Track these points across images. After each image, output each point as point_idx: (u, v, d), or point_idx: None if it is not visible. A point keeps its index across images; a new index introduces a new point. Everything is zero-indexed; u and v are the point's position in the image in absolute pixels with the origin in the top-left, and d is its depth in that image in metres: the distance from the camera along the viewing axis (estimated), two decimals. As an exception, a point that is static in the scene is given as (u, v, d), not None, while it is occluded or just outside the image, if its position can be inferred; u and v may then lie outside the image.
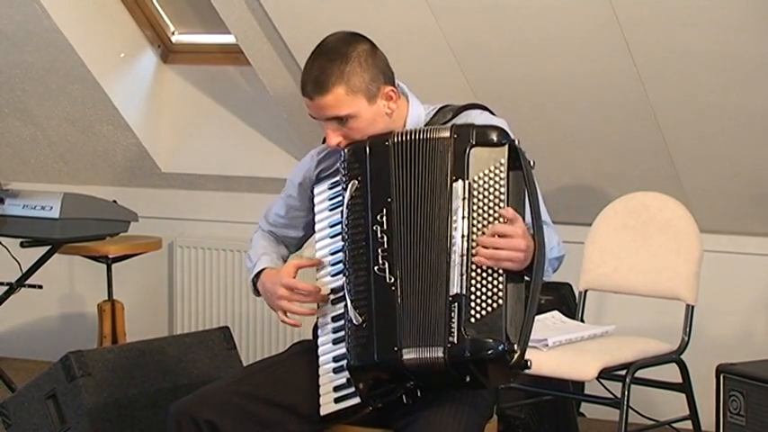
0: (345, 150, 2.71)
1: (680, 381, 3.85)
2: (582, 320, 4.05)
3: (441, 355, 2.52)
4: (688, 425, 3.92)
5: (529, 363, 2.52)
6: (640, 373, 3.72)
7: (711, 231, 4.30)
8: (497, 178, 2.56)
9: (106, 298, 5.05)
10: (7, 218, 4.39)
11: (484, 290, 2.52)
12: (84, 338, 5.21)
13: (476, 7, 4.12)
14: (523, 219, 2.57)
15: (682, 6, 3.82)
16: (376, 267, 2.60)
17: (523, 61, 4.25)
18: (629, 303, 4.24)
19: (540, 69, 4.26)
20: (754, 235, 4.49)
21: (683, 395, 3.86)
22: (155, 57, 5.35)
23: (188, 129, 5.39)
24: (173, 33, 5.34)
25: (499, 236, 2.52)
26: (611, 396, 3.88)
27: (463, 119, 2.76)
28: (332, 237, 2.73)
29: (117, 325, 5.02)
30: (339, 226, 2.71)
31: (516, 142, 2.59)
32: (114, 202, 4.71)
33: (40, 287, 4.79)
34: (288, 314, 2.78)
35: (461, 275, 2.53)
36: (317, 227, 2.79)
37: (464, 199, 2.56)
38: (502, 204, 2.55)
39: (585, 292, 4.07)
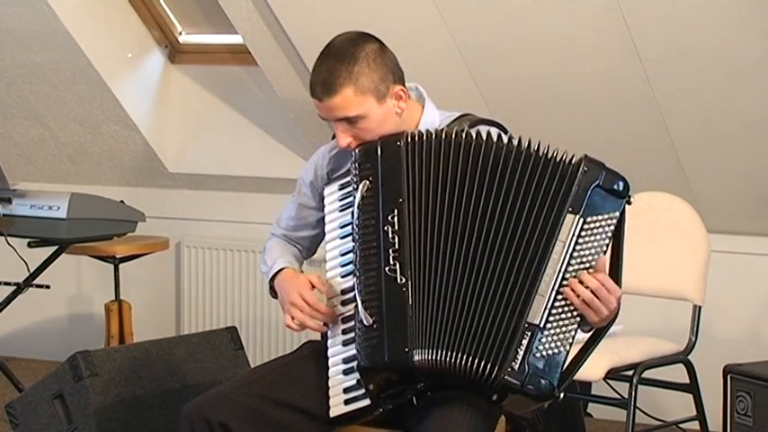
0: (356, 151, 2.69)
1: (687, 381, 3.85)
2: (589, 321, 4.04)
3: (489, 371, 2.49)
4: (695, 425, 3.92)
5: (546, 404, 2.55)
6: (647, 374, 3.72)
7: (719, 232, 4.29)
8: (606, 228, 2.53)
9: (113, 298, 5.06)
10: (14, 218, 4.39)
11: (558, 331, 2.50)
12: (92, 338, 5.22)
13: (483, 7, 4.12)
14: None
15: (689, 6, 3.82)
16: (387, 268, 2.57)
17: (531, 61, 4.25)
18: (637, 304, 4.22)
19: (547, 70, 4.25)
20: (762, 235, 4.49)
21: (691, 395, 3.86)
22: (162, 57, 5.36)
23: (195, 129, 5.39)
24: (180, 33, 5.35)
25: (600, 284, 2.51)
26: (618, 396, 3.88)
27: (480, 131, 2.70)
28: (342, 238, 2.71)
29: (124, 325, 5.03)
30: (349, 227, 2.68)
31: (631, 199, 2.58)
32: (121, 202, 4.71)
33: (48, 287, 4.78)
34: (294, 321, 2.75)
35: (545, 308, 2.50)
36: (327, 228, 2.76)
37: (573, 235, 2.51)
38: (602, 255, 2.53)
39: (593, 292, 4.07)
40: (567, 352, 2.50)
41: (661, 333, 4.01)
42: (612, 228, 2.53)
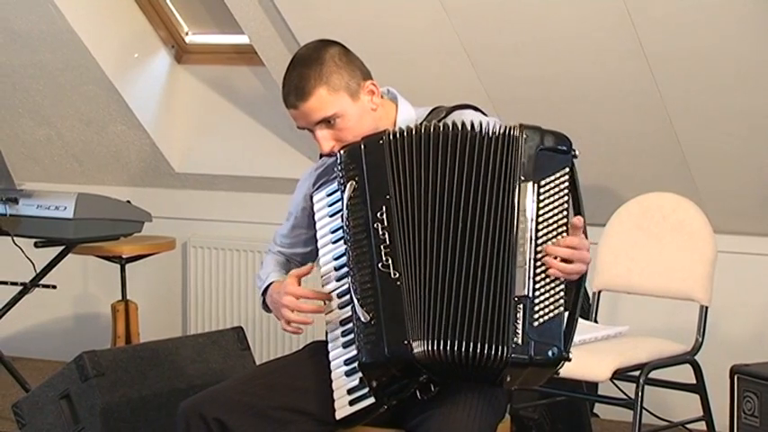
0: (340, 153, 2.71)
1: (694, 382, 3.85)
2: (596, 321, 4.04)
3: (495, 352, 2.51)
4: (702, 426, 3.91)
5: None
6: (654, 374, 3.71)
7: (725, 232, 4.29)
8: (562, 186, 2.58)
9: (120, 298, 5.06)
10: (21, 218, 4.40)
11: (547, 295, 2.54)
12: (98, 338, 5.22)
13: (489, 7, 4.11)
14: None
15: (696, 7, 3.82)
16: (380, 264, 2.59)
17: (537, 61, 4.24)
18: (643, 304, 4.24)
19: (553, 69, 4.25)
20: (769, 235, 4.49)
21: (697, 396, 3.86)
22: (168, 57, 5.36)
23: (201, 129, 5.39)
24: (186, 34, 5.35)
25: (571, 248, 2.54)
26: (624, 397, 3.88)
27: (457, 117, 2.73)
28: (334, 242, 2.73)
29: (130, 325, 5.03)
30: (340, 231, 2.70)
31: (577, 153, 2.62)
32: (128, 202, 4.72)
33: (54, 287, 4.79)
34: (290, 324, 2.79)
35: (529, 278, 2.53)
36: (318, 234, 2.78)
37: (533, 202, 2.56)
38: (565, 213, 2.57)
39: (599, 292, 4.07)
40: (562, 313, 2.54)
41: (667, 333, 4.00)
42: (567, 184, 2.59)
